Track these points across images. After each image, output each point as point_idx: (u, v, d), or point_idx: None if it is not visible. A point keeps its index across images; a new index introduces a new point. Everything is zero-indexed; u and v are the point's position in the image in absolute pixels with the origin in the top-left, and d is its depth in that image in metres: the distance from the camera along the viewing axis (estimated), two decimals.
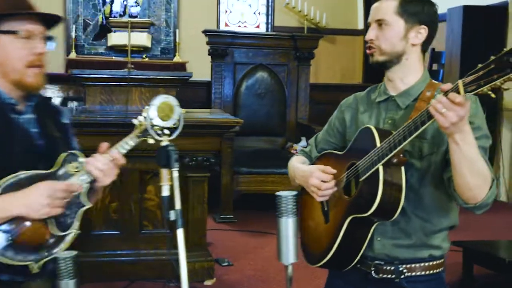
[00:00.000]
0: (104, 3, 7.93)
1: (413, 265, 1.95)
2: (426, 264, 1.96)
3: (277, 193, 1.94)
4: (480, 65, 1.55)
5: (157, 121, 1.85)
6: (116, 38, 7.20)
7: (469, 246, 3.90)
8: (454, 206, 1.95)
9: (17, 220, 1.79)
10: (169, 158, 1.81)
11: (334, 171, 1.99)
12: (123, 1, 7.92)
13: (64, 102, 5.93)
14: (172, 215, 1.82)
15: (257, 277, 4.15)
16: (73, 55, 7.65)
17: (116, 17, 7.83)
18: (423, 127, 1.70)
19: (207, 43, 5.86)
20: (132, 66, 3.88)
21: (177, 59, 7.93)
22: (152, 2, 8.23)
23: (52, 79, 6.01)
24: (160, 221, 3.96)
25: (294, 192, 1.97)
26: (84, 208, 1.92)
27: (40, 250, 1.84)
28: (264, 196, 5.34)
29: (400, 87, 1.98)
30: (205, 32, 5.86)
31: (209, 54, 5.89)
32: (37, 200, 1.77)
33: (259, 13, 8.80)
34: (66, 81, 5.90)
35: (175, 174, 1.82)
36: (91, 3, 8.05)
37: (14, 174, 1.80)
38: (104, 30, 7.34)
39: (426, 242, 1.95)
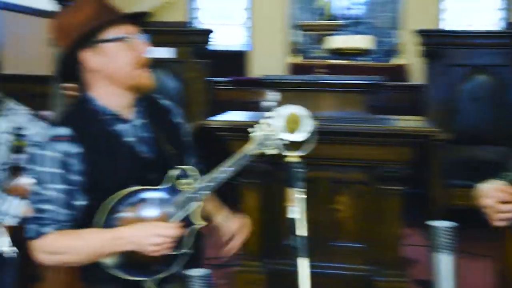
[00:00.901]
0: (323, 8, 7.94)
1: None
2: None
3: (429, 223, 1.64)
4: None
5: (284, 134, 1.65)
6: (333, 41, 7.13)
7: None
8: None
9: None
10: (292, 177, 1.61)
11: None
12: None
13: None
14: (296, 242, 1.62)
15: None
16: (291, 59, 7.78)
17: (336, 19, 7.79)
18: None
19: (421, 44, 5.44)
20: (324, 70, 3.71)
21: (395, 61, 7.61)
22: (375, 3, 8.00)
23: (268, 84, 6.14)
24: (353, 234, 3.73)
25: (451, 223, 1.63)
26: (198, 227, 1.81)
27: (153, 267, 1.79)
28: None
29: None
30: (419, 32, 5.45)
31: (422, 56, 5.47)
32: (146, 242, 1.72)
33: (492, 9, 8.01)
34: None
35: (300, 195, 1.61)
36: (310, 7, 8.07)
37: (120, 193, 1.76)
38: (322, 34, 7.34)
39: None
